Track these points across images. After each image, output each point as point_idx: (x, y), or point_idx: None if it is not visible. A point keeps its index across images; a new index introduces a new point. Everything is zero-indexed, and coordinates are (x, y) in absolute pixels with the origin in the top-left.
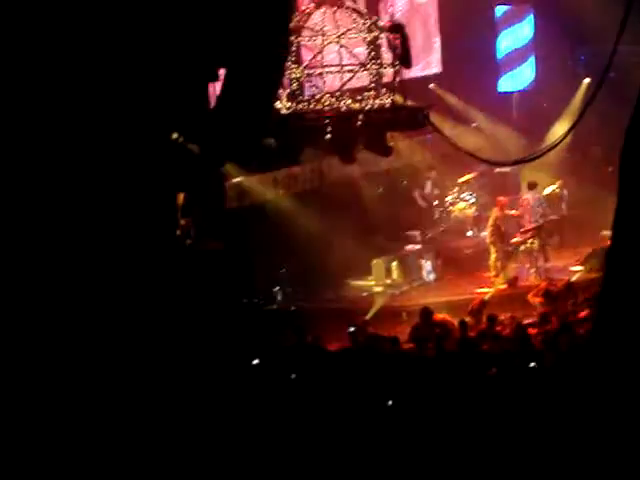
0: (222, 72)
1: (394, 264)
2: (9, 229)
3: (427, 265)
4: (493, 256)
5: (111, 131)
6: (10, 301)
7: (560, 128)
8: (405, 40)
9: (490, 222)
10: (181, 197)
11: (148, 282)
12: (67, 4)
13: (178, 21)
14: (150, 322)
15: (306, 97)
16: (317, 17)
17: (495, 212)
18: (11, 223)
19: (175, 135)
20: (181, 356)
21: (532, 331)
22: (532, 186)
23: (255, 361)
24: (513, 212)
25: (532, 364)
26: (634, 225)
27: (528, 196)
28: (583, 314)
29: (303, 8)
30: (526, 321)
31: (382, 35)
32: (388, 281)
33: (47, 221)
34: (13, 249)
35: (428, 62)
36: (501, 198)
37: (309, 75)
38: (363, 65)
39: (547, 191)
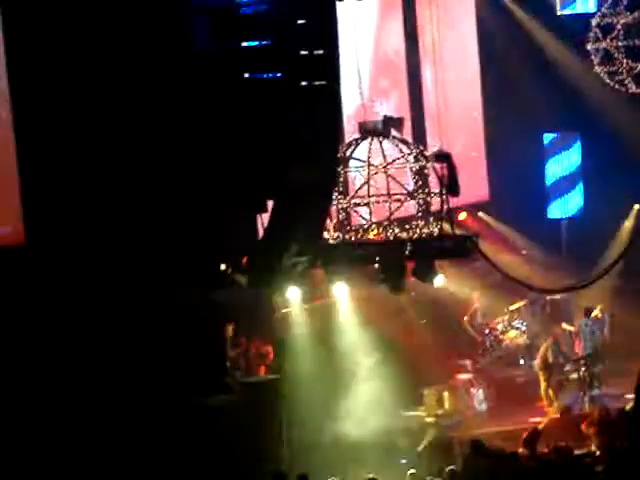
0: (269, 203)
1: (445, 394)
2: None
3: (479, 394)
4: (543, 385)
5: (162, 265)
6: None
7: (611, 254)
8: (452, 169)
9: (541, 351)
10: (230, 328)
11: (200, 416)
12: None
13: (226, 154)
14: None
15: (354, 227)
16: (363, 147)
17: (548, 342)
18: None
19: (224, 266)
20: None
21: (588, 462)
22: (588, 312)
23: None
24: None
25: None
26: None
27: (581, 322)
28: None
29: (349, 139)
30: (579, 451)
31: (429, 164)
32: (440, 411)
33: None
34: None
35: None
36: (558, 331)
37: (356, 205)
38: (410, 194)
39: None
